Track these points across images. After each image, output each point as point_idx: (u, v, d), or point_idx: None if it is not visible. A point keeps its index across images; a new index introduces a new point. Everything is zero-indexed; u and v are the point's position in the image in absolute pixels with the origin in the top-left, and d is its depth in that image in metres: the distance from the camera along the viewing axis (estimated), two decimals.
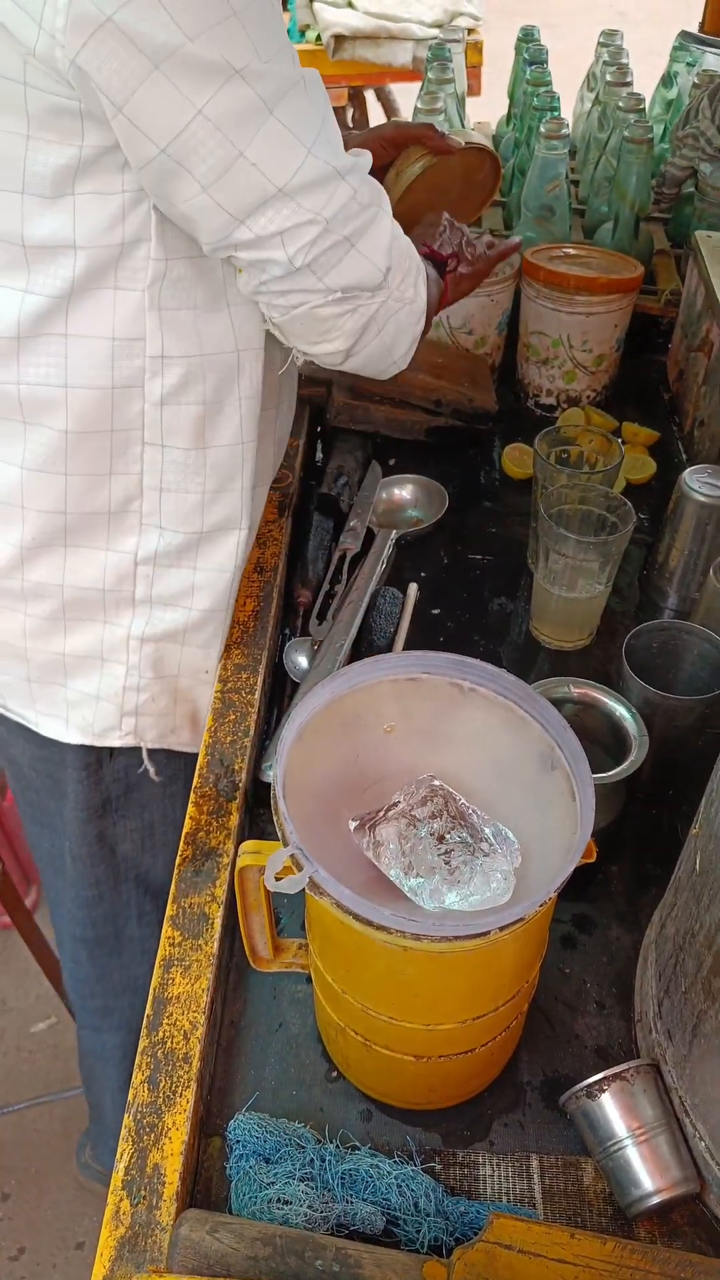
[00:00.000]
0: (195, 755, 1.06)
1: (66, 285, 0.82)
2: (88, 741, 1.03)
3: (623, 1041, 0.81)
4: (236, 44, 0.71)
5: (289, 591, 1.15)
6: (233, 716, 0.95)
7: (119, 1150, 0.67)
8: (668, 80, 1.75)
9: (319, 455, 1.36)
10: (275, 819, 0.62)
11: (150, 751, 1.05)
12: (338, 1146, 0.71)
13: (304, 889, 0.61)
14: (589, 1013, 0.83)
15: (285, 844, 0.61)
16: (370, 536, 1.21)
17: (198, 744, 1.07)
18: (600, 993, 0.84)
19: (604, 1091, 0.71)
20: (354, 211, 0.80)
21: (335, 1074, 0.78)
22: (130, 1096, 0.69)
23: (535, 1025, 0.81)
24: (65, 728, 1.03)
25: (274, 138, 0.74)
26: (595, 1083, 0.72)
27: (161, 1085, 0.70)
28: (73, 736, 1.03)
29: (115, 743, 1.04)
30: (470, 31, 2.80)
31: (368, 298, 0.84)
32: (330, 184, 0.78)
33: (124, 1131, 0.68)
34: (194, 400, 0.89)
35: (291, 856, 0.60)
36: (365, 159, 0.84)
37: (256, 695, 0.97)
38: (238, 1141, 0.70)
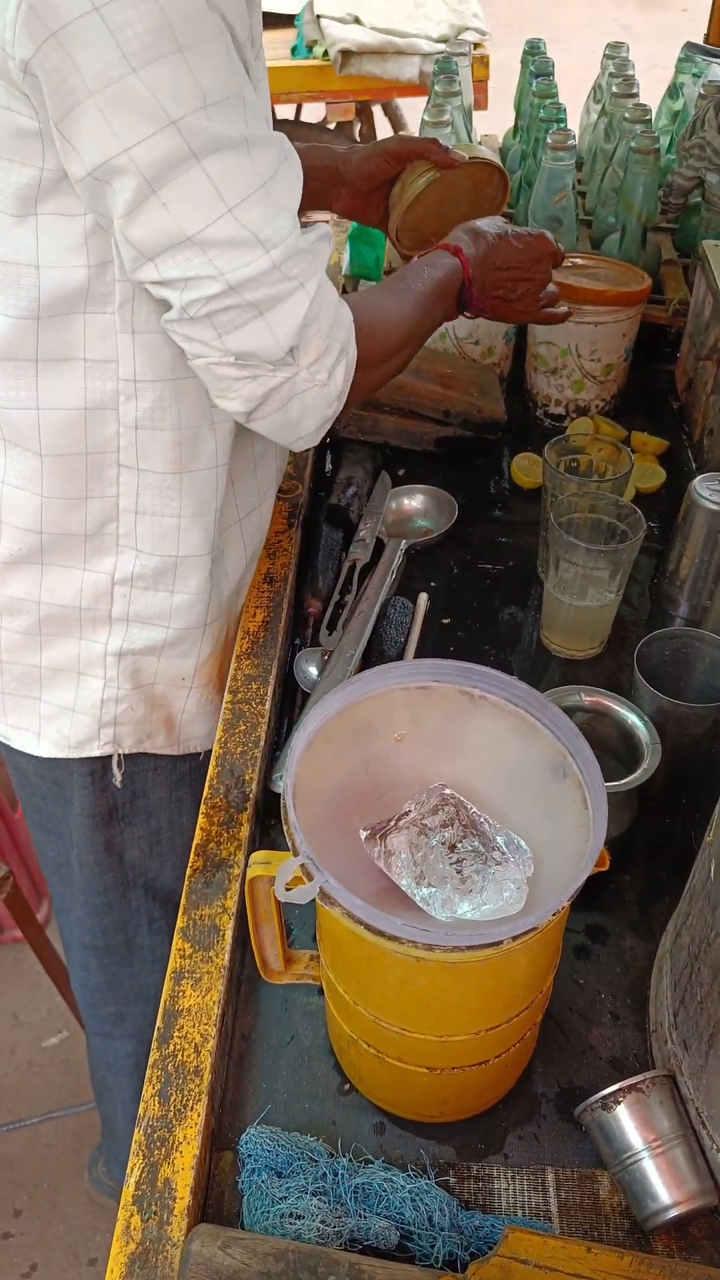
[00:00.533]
0: (201, 760, 1.06)
1: (33, 305, 0.82)
2: (61, 755, 1.04)
3: (638, 1052, 0.80)
4: (178, 85, 0.70)
5: (299, 602, 1.15)
6: (243, 727, 0.95)
7: (129, 1165, 0.66)
8: (673, 91, 1.76)
9: (328, 466, 1.36)
10: (285, 828, 0.62)
11: (153, 756, 1.05)
12: (350, 1160, 0.70)
13: (314, 899, 0.60)
14: (604, 1024, 0.82)
15: (295, 854, 0.60)
16: (380, 546, 1.21)
17: (173, 747, 1.07)
18: (615, 1003, 0.83)
19: (619, 1103, 0.71)
20: (271, 281, 0.78)
21: (348, 1087, 0.77)
22: (141, 1110, 0.69)
23: (549, 1036, 0.81)
24: (36, 741, 1.04)
25: (193, 187, 0.73)
26: (610, 1094, 0.71)
27: (172, 1099, 0.69)
28: (44, 750, 1.04)
29: (94, 753, 1.04)
30: (476, 46, 2.82)
31: (269, 370, 0.81)
32: (247, 249, 0.76)
33: (134, 1146, 0.67)
34: (169, 426, 0.89)
35: (302, 866, 0.60)
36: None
37: (267, 706, 0.97)
38: (249, 1155, 0.69)
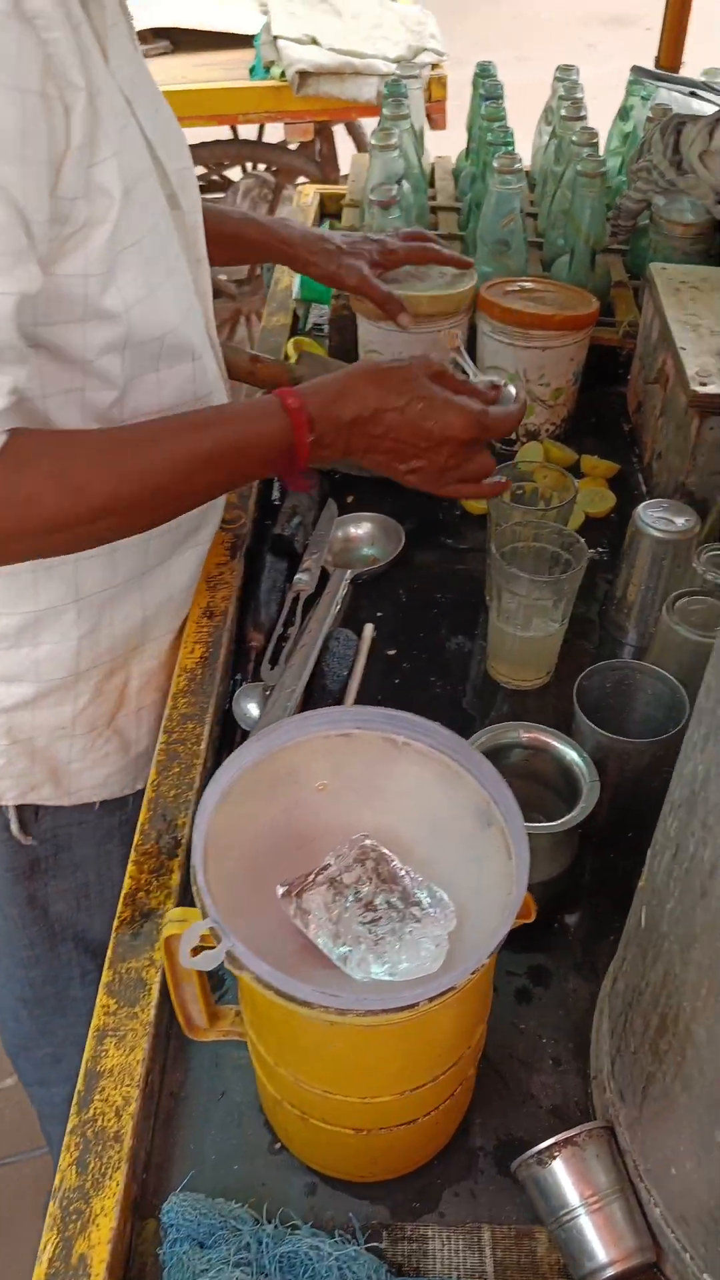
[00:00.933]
0: (131, 812, 1.03)
1: None
2: None
3: (579, 1100, 0.78)
4: None
5: (241, 635, 1.12)
6: (177, 769, 0.93)
7: (43, 1240, 0.64)
8: (624, 114, 1.76)
9: (275, 495, 1.34)
10: (194, 889, 0.60)
11: (80, 807, 1.03)
12: (276, 1227, 0.67)
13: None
14: (545, 1070, 0.80)
15: (204, 915, 0.58)
16: (325, 577, 1.19)
17: (60, 798, 1.05)
18: (556, 1049, 0.81)
19: (555, 1158, 0.69)
20: None
21: (279, 1145, 0.75)
22: (56, 1182, 0.66)
23: (488, 1085, 0.78)
24: None
25: None
26: (546, 1149, 0.69)
27: (90, 1167, 0.67)
28: None
29: None
30: (434, 67, 2.83)
31: None
32: None
33: (49, 1219, 0.64)
34: None
35: (211, 929, 0.58)
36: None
37: (203, 745, 0.95)
38: (171, 1225, 0.67)
